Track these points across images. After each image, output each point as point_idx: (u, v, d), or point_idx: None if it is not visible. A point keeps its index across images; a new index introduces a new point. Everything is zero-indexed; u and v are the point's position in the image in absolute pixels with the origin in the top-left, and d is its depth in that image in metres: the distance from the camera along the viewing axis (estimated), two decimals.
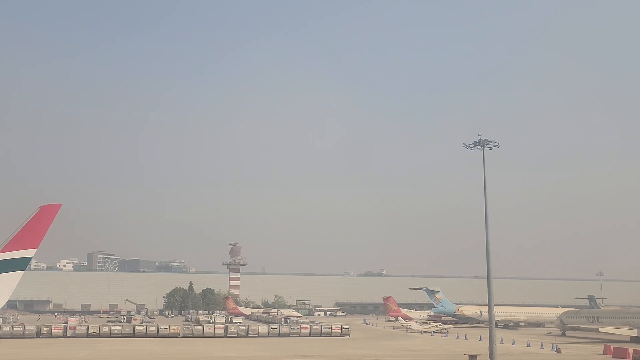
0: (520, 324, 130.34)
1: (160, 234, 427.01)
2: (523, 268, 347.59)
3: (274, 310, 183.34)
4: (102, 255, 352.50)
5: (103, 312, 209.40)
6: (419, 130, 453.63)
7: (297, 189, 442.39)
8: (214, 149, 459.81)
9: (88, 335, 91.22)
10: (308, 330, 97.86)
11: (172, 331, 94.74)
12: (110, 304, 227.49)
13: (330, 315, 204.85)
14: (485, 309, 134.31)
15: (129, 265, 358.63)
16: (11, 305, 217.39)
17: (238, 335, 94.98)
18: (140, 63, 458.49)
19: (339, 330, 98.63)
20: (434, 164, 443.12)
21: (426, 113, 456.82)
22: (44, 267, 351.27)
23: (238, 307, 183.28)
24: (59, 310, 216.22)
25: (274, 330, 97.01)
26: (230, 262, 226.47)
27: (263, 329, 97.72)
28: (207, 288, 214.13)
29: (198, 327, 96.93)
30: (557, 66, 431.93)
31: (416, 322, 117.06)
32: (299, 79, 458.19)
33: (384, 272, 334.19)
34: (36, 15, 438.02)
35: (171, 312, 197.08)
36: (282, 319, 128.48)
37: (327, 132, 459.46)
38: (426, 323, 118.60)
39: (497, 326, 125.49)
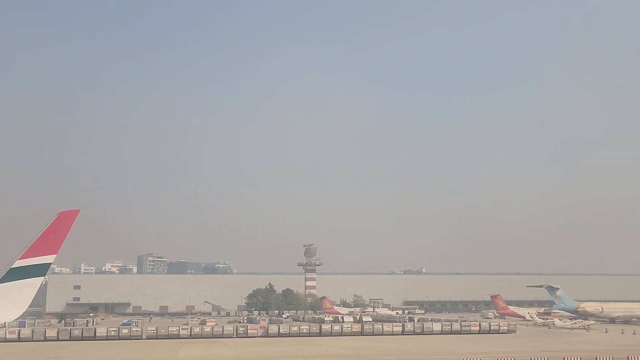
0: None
1: (204, 236, 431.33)
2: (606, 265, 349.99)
3: (369, 309, 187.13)
4: (151, 258, 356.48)
5: (180, 314, 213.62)
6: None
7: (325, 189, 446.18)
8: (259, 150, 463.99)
9: (279, 335, 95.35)
10: (478, 327, 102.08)
11: (354, 330, 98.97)
12: (187, 306, 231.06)
13: (409, 313, 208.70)
14: (607, 305, 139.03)
15: (177, 268, 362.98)
16: (93, 307, 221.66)
17: (414, 333, 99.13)
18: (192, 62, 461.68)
19: (506, 328, 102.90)
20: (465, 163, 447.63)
21: (454, 115, 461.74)
22: (93, 271, 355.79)
23: (334, 306, 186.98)
24: (138, 313, 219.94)
25: (447, 328, 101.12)
26: (306, 263, 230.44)
27: (437, 326, 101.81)
28: (287, 289, 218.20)
29: (378, 326, 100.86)
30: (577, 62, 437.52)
31: (558, 319, 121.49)
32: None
33: (424, 270, 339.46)
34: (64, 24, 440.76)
35: (260, 313, 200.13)
36: (407, 318, 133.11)
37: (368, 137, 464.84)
38: (569, 320, 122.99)
39: (615, 322, 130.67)
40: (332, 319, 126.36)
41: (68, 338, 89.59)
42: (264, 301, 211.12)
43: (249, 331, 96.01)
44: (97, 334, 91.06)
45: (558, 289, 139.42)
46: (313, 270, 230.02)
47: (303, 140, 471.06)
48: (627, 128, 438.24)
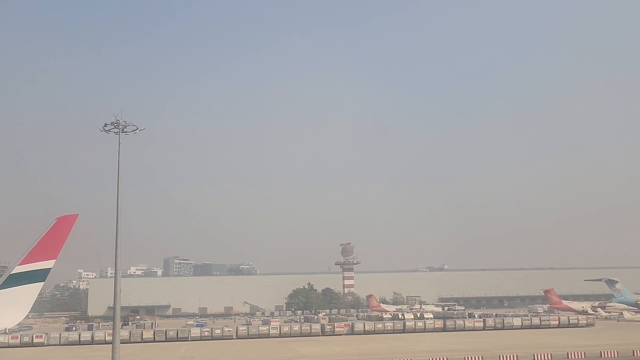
0: None
1: (229, 238, 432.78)
2: None
3: (416, 306, 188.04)
4: (177, 261, 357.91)
5: (220, 315, 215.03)
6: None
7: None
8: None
9: (365, 332, 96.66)
10: (557, 322, 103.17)
11: (436, 326, 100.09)
12: (225, 307, 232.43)
13: (449, 310, 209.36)
14: None
15: (202, 270, 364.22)
16: (134, 310, 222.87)
17: (495, 328, 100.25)
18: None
19: (585, 322, 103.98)
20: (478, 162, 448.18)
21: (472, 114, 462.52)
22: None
23: (381, 304, 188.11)
24: (179, 315, 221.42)
25: (527, 322, 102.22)
26: (343, 262, 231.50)
27: (517, 321, 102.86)
28: (327, 288, 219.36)
29: (459, 322, 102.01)
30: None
31: (628, 313, 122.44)
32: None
33: (446, 266, 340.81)
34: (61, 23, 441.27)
35: (302, 312, 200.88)
36: (467, 314, 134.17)
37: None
38: (635, 313, 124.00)
39: None
40: (389, 316, 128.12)
41: (164, 339, 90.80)
42: (305, 300, 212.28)
43: (335, 329, 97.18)
44: (191, 335, 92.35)
45: (617, 282, 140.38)
46: (351, 269, 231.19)
47: (330, 141, 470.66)
48: None
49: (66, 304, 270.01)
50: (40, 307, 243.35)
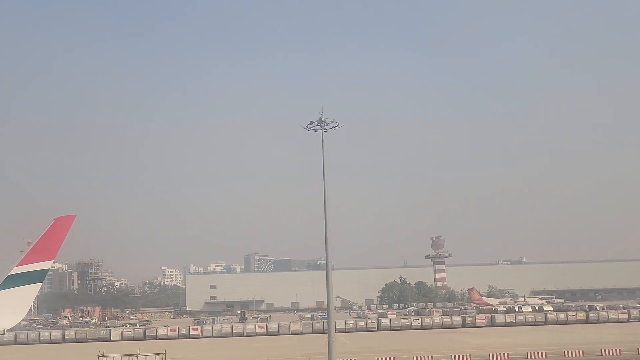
0: None
1: (306, 233, 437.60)
2: None
3: (520, 299, 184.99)
4: (257, 257, 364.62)
5: (312, 310, 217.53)
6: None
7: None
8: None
9: (506, 324, 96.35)
10: None
11: (579, 317, 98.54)
12: (317, 301, 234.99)
13: (548, 302, 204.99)
14: None
15: (282, 265, 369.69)
16: (229, 305, 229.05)
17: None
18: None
19: None
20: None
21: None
22: (201, 271, 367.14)
23: (483, 297, 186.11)
24: (272, 309, 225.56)
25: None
26: (434, 255, 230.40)
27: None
28: (420, 281, 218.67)
29: (603, 314, 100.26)
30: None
31: None
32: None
33: (524, 259, 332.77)
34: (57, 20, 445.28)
35: (398, 306, 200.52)
36: (587, 307, 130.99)
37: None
38: None
39: None
40: (503, 308, 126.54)
41: (311, 331, 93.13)
42: (399, 294, 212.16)
43: (476, 321, 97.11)
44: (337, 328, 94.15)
45: None
46: (442, 262, 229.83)
47: (415, 135, 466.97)
48: None
49: (159, 300, 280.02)
50: (135, 303, 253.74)
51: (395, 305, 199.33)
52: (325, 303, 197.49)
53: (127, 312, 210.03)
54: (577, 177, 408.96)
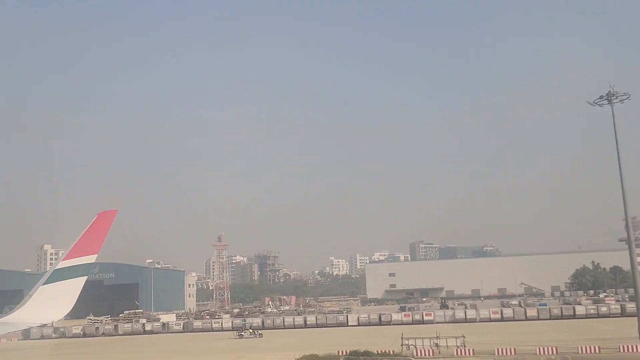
0: None
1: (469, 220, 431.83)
2: None
3: None
4: (423, 245, 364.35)
5: (493, 297, 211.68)
6: None
7: None
8: None
9: None
10: None
11: None
12: (498, 288, 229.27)
13: None
14: None
15: (447, 253, 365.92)
16: (409, 293, 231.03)
17: None
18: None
19: None
20: None
21: None
22: (367, 261, 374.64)
23: None
24: (452, 297, 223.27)
25: None
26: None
27: None
28: (615, 266, 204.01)
29: None
30: None
31: None
32: None
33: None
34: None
35: (594, 292, 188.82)
36: None
37: None
38: None
39: None
40: None
41: (548, 317, 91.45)
42: (592, 280, 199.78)
43: None
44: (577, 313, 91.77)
45: None
46: None
47: None
48: None
49: (333, 289, 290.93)
50: (313, 292, 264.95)
51: (591, 292, 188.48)
52: (507, 289, 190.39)
53: (319, 300, 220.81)
54: None
